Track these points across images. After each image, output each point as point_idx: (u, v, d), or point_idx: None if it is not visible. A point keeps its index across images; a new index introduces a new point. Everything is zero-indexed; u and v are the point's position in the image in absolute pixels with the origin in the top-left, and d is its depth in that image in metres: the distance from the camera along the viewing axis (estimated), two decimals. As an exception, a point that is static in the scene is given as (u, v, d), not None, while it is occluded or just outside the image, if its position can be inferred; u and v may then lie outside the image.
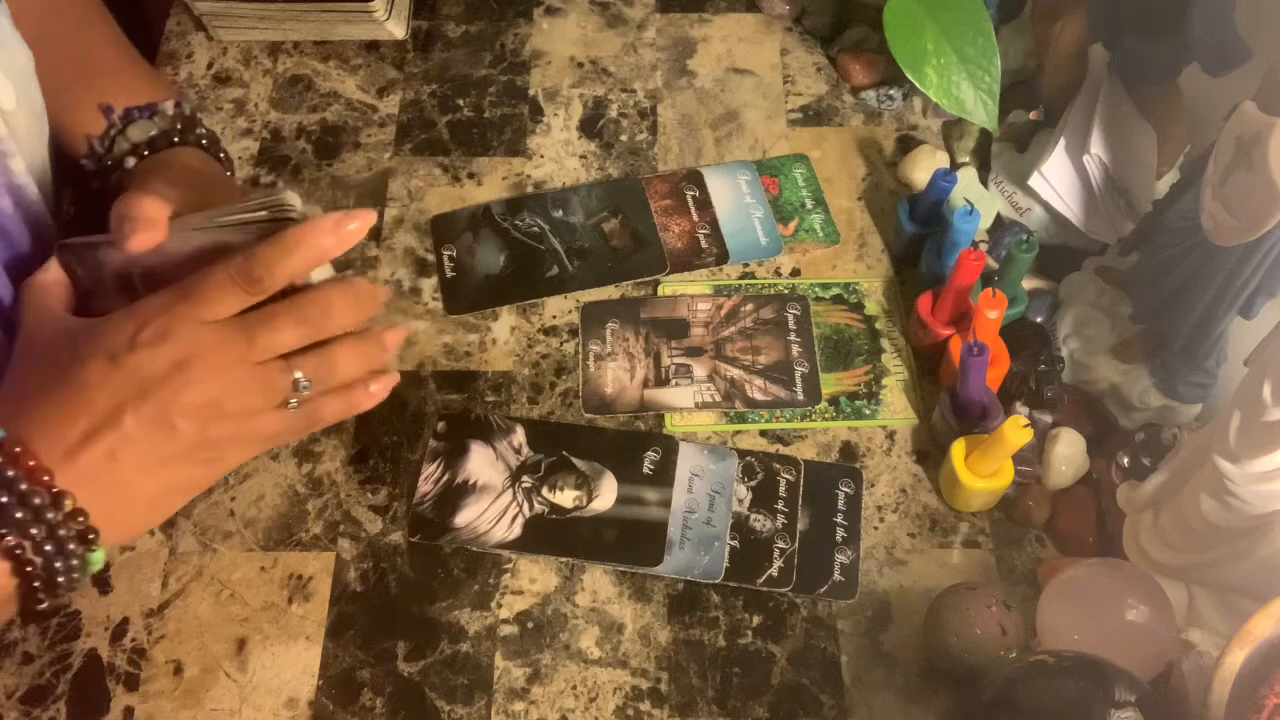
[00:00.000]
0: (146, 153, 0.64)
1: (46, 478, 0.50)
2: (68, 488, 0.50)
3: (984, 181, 0.79)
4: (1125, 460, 0.67)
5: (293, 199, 0.55)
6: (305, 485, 0.69)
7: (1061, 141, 0.73)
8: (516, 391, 0.73)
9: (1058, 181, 0.74)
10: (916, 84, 0.75)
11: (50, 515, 0.49)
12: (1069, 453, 0.68)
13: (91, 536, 0.51)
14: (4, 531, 0.48)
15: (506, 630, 0.65)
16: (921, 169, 0.79)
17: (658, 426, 0.71)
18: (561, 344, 0.75)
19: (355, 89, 0.86)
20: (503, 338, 0.75)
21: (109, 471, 0.51)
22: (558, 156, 0.83)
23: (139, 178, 0.62)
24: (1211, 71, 0.63)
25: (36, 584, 0.50)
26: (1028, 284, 0.75)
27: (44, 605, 0.51)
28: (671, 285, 0.77)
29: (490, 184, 0.82)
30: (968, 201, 0.73)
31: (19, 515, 0.49)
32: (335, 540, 0.67)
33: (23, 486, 0.49)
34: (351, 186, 0.81)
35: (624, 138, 0.84)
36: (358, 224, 0.52)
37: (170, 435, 0.51)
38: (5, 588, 0.50)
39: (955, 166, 0.81)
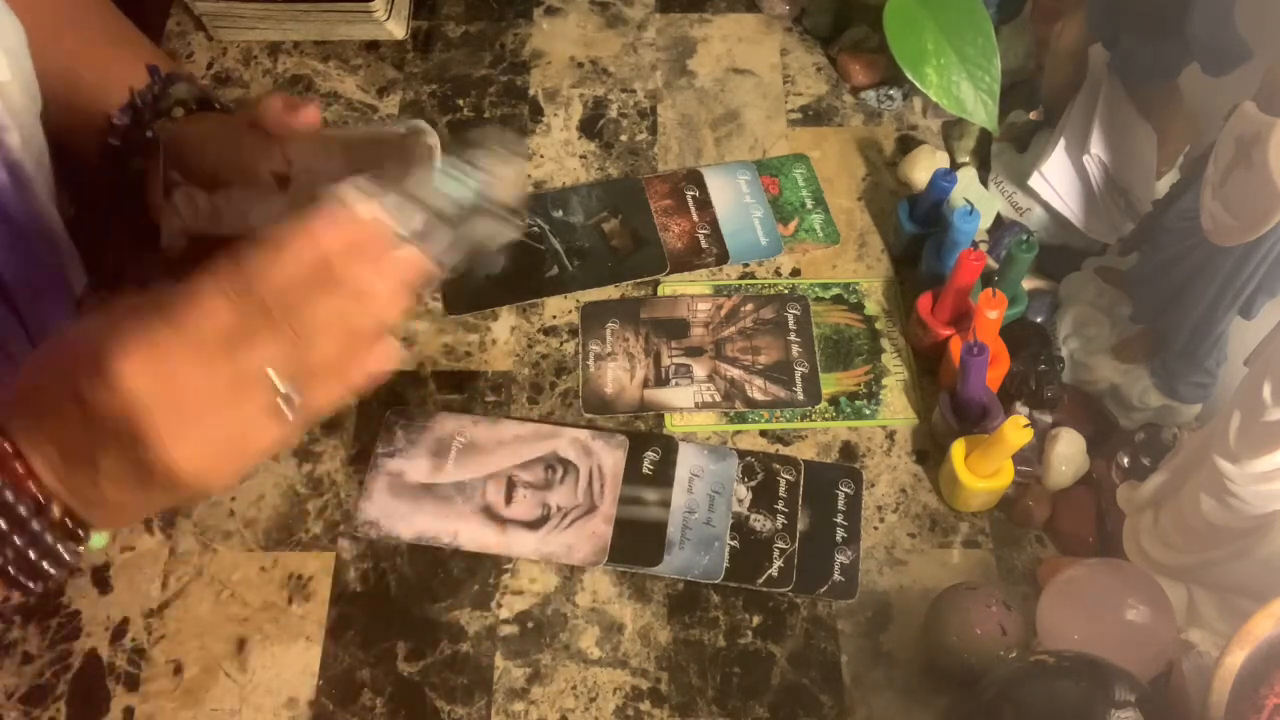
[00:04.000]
0: (195, 108, 0.68)
1: (32, 486, 0.47)
2: (54, 491, 0.48)
3: (984, 181, 0.79)
4: (1125, 460, 0.67)
5: (424, 125, 0.56)
6: (305, 485, 0.69)
7: (1061, 141, 0.73)
8: (516, 391, 0.73)
9: (1058, 181, 0.74)
10: (916, 84, 0.75)
11: (35, 525, 0.47)
12: (1069, 453, 0.68)
13: (81, 533, 0.49)
14: None
15: (506, 630, 0.65)
16: (921, 169, 0.79)
17: (658, 426, 0.71)
18: (561, 344, 0.75)
19: (355, 89, 0.86)
20: (503, 338, 0.75)
21: (93, 494, 0.48)
22: (558, 156, 0.83)
23: (183, 133, 0.65)
24: (1211, 71, 0.63)
25: (24, 580, 0.49)
26: (1028, 284, 0.75)
27: (37, 591, 0.50)
28: (671, 285, 0.77)
29: (490, 184, 0.82)
30: (968, 201, 0.73)
31: (2, 527, 0.47)
32: (335, 540, 0.67)
33: (7, 495, 0.47)
34: (351, 186, 0.81)
35: (624, 138, 0.84)
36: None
37: (143, 474, 0.47)
38: None
39: (955, 166, 0.81)
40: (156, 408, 0.46)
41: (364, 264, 0.49)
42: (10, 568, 0.48)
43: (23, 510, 0.47)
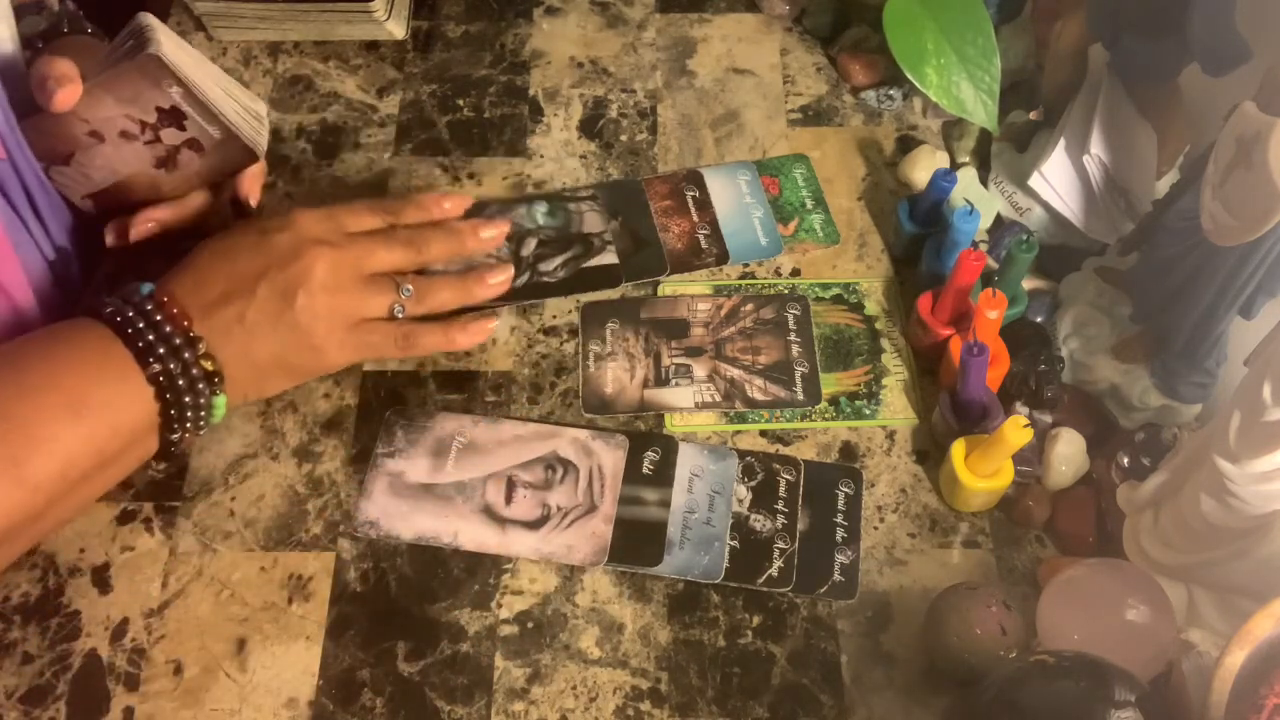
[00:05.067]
0: (40, 44, 0.69)
1: (185, 323, 0.60)
2: (202, 335, 0.60)
3: (984, 181, 0.79)
4: (1125, 460, 0.67)
5: (148, 29, 0.63)
6: (305, 485, 0.69)
7: (1061, 141, 0.73)
8: (516, 391, 0.73)
9: (1058, 181, 0.74)
10: (916, 84, 0.75)
11: (186, 354, 0.59)
12: (1069, 453, 0.68)
13: (217, 379, 0.61)
14: (150, 360, 0.58)
15: (506, 630, 0.65)
16: (921, 169, 0.79)
17: (658, 426, 0.71)
18: (561, 344, 0.75)
19: (355, 89, 0.86)
20: (503, 338, 0.75)
21: (236, 331, 0.61)
22: (558, 156, 0.83)
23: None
24: (1211, 71, 0.63)
25: (173, 413, 0.59)
26: (1028, 284, 0.75)
27: (176, 438, 0.61)
28: (671, 285, 0.77)
29: (490, 184, 0.82)
30: (968, 201, 0.73)
31: (161, 350, 0.59)
32: (335, 540, 0.67)
33: (166, 328, 0.59)
34: (351, 186, 0.81)
35: (624, 138, 0.84)
36: (452, 204, 0.71)
37: (289, 307, 0.61)
38: (148, 415, 0.59)
39: (955, 166, 0.81)
40: (317, 245, 0.63)
41: (472, 230, 0.70)
42: (169, 394, 0.59)
43: (177, 340, 0.59)
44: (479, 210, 0.76)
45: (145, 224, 0.69)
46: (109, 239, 0.70)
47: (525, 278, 0.76)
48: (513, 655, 0.64)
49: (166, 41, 0.63)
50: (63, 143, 0.65)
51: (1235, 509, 0.56)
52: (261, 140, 0.69)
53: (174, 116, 0.65)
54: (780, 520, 0.68)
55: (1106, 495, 0.67)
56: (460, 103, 0.86)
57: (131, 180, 0.68)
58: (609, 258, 0.77)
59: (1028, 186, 0.75)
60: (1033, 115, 0.79)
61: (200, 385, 0.60)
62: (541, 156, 0.83)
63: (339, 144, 0.83)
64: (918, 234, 0.75)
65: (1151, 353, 0.68)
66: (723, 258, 0.78)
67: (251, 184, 0.71)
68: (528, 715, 0.62)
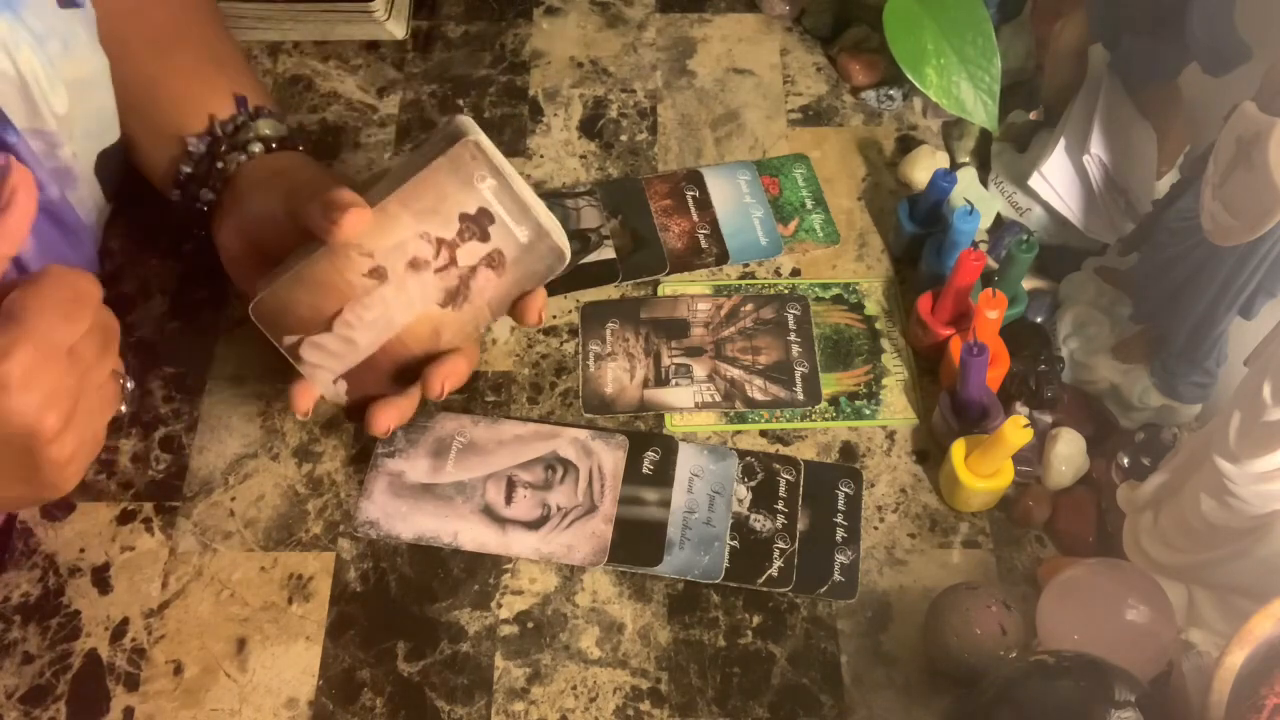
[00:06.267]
0: (274, 146, 0.66)
1: None
2: None
3: (984, 181, 0.79)
4: (1125, 460, 0.67)
5: (465, 122, 0.52)
6: (305, 485, 0.69)
7: (1061, 141, 0.73)
8: (516, 391, 0.73)
9: (1058, 181, 0.74)
10: (916, 84, 0.75)
11: None
12: (1069, 453, 0.68)
13: None
14: None
15: (506, 630, 0.65)
16: (921, 169, 0.79)
17: (658, 426, 0.71)
18: (561, 344, 0.75)
19: (355, 89, 0.86)
20: (503, 338, 0.75)
21: None
22: (558, 156, 0.83)
23: (257, 171, 0.64)
24: (1211, 71, 0.63)
25: None
26: (1028, 284, 0.75)
27: None
28: (671, 285, 0.77)
29: (490, 184, 0.82)
30: (968, 201, 0.73)
31: None
32: (335, 540, 0.67)
33: None
34: (352, 186, 0.81)
35: (624, 138, 0.84)
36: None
37: (27, 468, 0.51)
38: None
39: (955, 166, 0.81)
40: (47, 411, 0.50)
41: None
42: None
43: None
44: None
45: (444, 382, 0.58)
46: (379, 426, 0.59)
47: None
48: (513, 655, 0.64)
49: (476, 129, 0.52)
50: (330, 299, 0.53)
51: (1235, 509, 0.56)
52: (564, 239, 0.55)
53: (479, 222, 0.53)
54: (780, 520, 0.68)
55: (1106, 495, 0.67)
56: (460, 103, 0.86)
57: (407, 334, 0.55)
58: (606, 253, 0.77)
59: (1028, 186, 0.75)
60: (1033, 115, 0.79)
61: None
62: (541, 156, 0.83)
63: (339, 144, 0.83)
64: (918, 234, 0.75)
65: (1151, 353, 0.68)
66: (723, 258, 0.78)
67: (532, 307, 0.59)
68: (528, 715, 0.62)
